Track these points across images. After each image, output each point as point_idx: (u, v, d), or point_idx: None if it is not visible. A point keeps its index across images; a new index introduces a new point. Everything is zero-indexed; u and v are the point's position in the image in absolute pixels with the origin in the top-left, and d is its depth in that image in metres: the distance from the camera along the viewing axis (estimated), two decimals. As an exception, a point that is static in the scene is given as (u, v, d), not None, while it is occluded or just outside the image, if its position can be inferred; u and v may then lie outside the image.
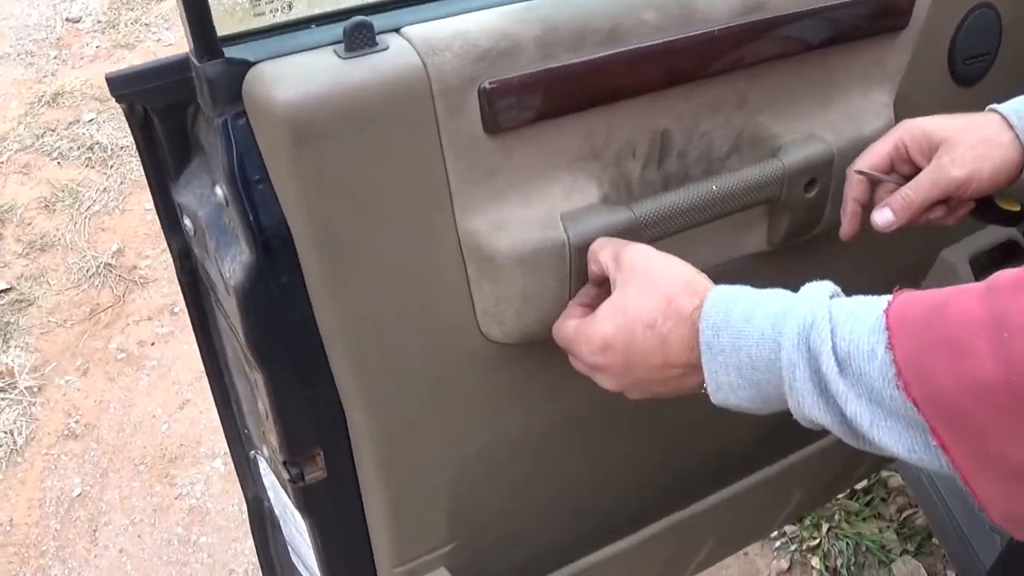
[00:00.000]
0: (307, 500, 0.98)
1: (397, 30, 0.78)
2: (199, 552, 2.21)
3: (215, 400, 1.08)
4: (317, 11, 0.80)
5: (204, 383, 2.61)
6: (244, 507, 2.31)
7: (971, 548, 1.60)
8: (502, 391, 0.98)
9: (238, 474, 1.14)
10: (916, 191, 0.92)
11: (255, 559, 2.20)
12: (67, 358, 2.71)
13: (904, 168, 0.96)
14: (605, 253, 0.84)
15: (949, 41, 1.06)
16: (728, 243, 1.03)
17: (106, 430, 2.51)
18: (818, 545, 2.16)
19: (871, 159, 0.96)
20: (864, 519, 2.19)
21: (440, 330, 0.90)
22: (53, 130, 3.68)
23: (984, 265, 1.27)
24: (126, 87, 0.77)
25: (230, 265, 0.82)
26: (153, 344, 2.77)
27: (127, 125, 0.83)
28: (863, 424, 0.65)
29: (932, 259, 1.25)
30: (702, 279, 0.79)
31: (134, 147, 3.64)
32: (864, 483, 2.23)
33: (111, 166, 3.50)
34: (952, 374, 0.59)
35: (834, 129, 1.01)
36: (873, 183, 0.97)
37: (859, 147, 0.99)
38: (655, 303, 0.77)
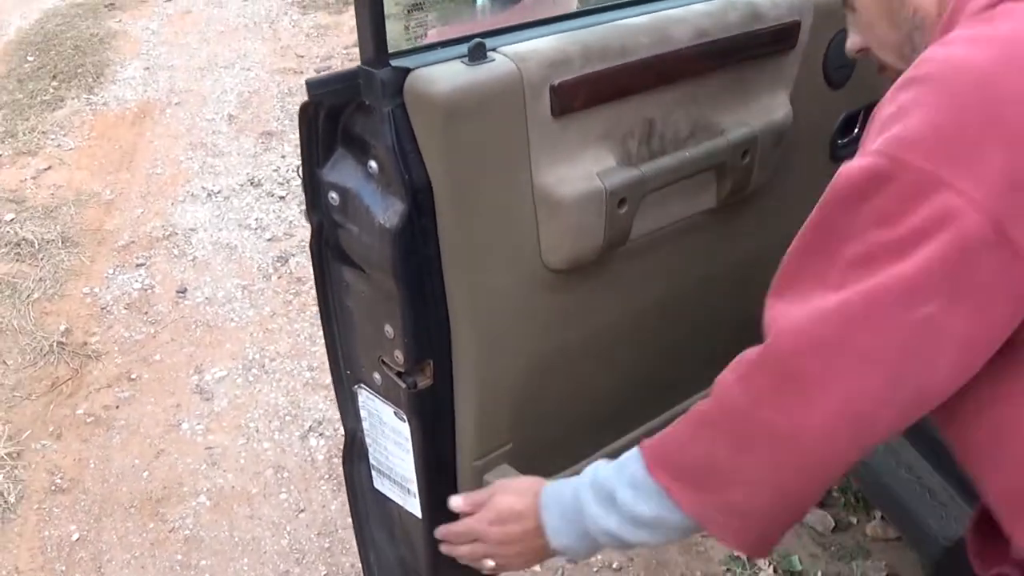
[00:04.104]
0: (417, 404, 1.33)
1: (495, 49, 1.19)
2: (202, 574, 2.46)
3: (327, 347, 1.42)
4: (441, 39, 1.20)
5: (175, 435, 2.91)
6: (235, 532, 2.57)
7: (882, 480, 2.06)
8: (555, 309, 1.37)
9: (340, 410, 1.48)
10: None
11: (254, 575, 2.46)
12: (39, 426, 2.91)
13: None
14: None
15: (823, 55, 1.55)
16: (689, 202, 1.46)
17: (91, 482, 2.72)
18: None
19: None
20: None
21: (517, 259, 1.29)
22: (-24, 233, 3.89)
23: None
24: (320, 88, 1.14)
25: (383, 215, 1.19)
26: (118, 407, 3.00)
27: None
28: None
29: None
30: None
31: (60, 240, 3.96)
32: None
33: (41, 258, 3.72)
34: None
35: (755, 117, 1.46)
36: None
37: (772, 129, 1.46)
38: None
